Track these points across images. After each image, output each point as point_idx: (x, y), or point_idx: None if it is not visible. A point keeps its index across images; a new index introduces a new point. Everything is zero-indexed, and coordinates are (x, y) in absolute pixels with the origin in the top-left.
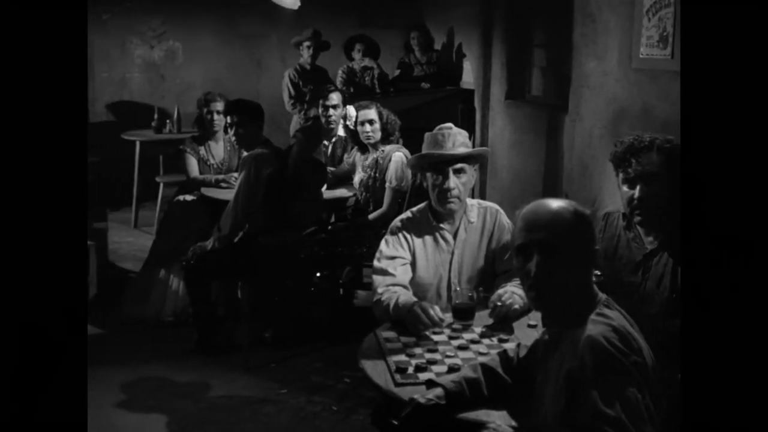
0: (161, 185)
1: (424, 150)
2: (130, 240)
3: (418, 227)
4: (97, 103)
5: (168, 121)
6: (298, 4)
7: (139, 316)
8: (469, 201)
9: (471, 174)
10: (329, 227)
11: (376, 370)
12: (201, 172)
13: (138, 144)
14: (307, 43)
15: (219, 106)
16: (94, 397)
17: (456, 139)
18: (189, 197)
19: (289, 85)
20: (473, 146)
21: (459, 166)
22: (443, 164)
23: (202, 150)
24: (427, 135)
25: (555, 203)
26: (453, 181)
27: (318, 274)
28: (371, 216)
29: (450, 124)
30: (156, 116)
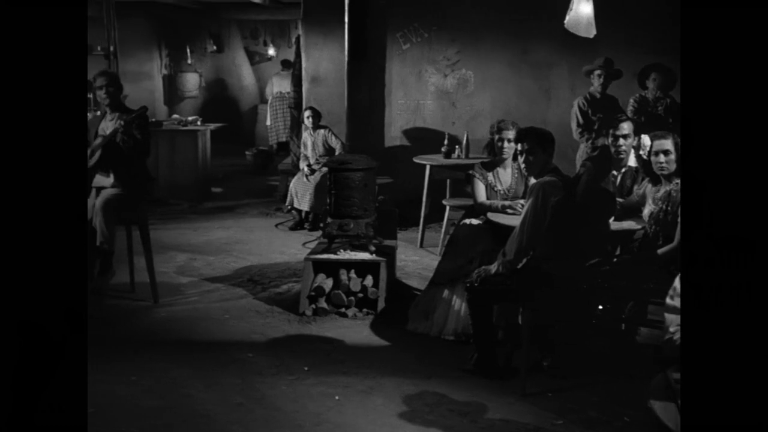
0: (447, 208)
1: None
2: (415, 258)
3: None
4: (392, 128)
5: (457, 146)
6: (594, 32)
7: (422, 332)
8: None
9: None
10: (614, 259)
11: (666, 412)
12: (488, 198)
13: (428, 167)
14: (598, 72)
15: (511, 134)
16: (378, 405)
17: None
18: (475, 221)
19: (578, 113)
20: None
21: None
22: None
23: (490, 176)
24: None
25: None
26: None
27: (600, 307)
28: (660, 251)
29: None
30: (446, 141)
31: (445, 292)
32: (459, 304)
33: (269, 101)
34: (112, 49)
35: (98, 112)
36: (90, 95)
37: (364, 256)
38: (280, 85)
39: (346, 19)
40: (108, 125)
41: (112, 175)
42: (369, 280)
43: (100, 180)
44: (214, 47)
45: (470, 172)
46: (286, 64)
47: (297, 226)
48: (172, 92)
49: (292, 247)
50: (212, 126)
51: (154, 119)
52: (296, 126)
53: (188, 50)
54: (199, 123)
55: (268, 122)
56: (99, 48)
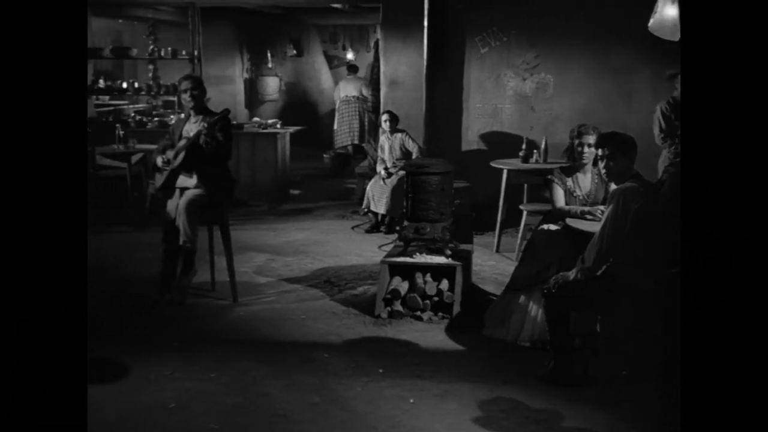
0: (524, 213)
1: None
2: (491, 263)
3: None
4: (470, 132)
5: (535, 151)
6: (680, 35)
7: (498, 338)
8: None
9: None
10: None
11: None
12: (566, 203)
13: (505, 172)
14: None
15: (591, 138)
16: (453, 410)
17: None
18: (553, 227)
19: (661, 118)
20: None
21: None
22: None
23: (569, 181)
24: None
25: None
26: None
27: None
28: None
29: None
30: (524, 146)
31: (522, 298)
32: (536, 310)
33: (337, 105)
34: (196, 53)
35: (182, 115)
36: (175, 98)
37: (440, 259)
38: (346, 90)
39: (425, 24)
40: (192, 127)
41: (195, 176)
42: (445, 284)
43: (183, 181)
44: (294, 51)
45: (549, 176)
46: (351, 68)
47: (373, 229)
48: (253, 95)
49: (368, 250)
50: (291, 129)
51: (235, 122)
52: (374, 129)
53: (269, 54)
54: (278, 126)
55: (335, 126)
56: (184, 52)
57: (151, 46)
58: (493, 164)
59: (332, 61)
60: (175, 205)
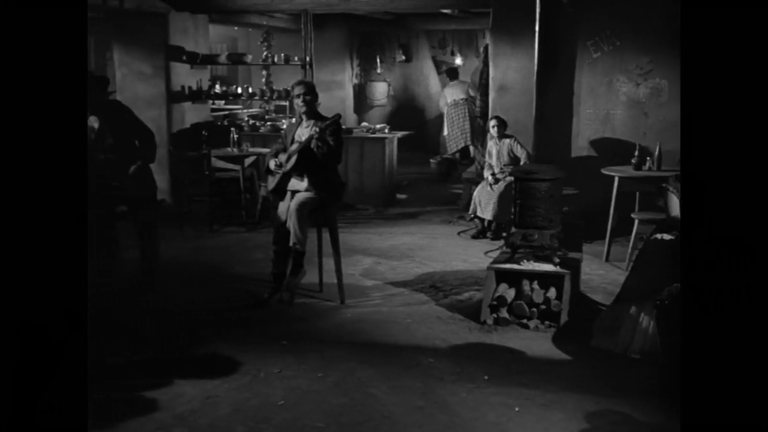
0: (636, 221)
1: None
2: (601, 273)
3: None
4: (580, 138)
5: (648, 158)
6: None
7: (606, 349)
8: None
9: None
10: None
11: None
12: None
13: (616, 179)
14: None
15: None
16: (559, 420)
17: None
18: (667, 236)
19: None
20: None
21: None
22: None
23: None
24: None
25: None
26: None
27: None
28: None
29: None
30: (637, 153)
31: (633, 309)
32: (647, 321)
33: (445, 111)
34: (308, 59)
35: (294, 119)
36: (287, 103)
37: (548, 267)
38: (453, 95)
39: (537, 29)
40: (304, 132)
41: (306, 180)
42: (552, 293)
43: (294, 184)
44: (403, 57)
45: (664, 185)
46: (452, 73)
47: (479, 235)
48: (362, 100)
49: (474, 256)
50: (399, 134)
51: (344, 126)
52: (481, 134)
53: (378, 60)
54: (386, 131)
55: (445, 132)
56: (296, 58)
57: (265, 53)
58: (604, 171)
59: (440, 67)
60: (286, 208)
